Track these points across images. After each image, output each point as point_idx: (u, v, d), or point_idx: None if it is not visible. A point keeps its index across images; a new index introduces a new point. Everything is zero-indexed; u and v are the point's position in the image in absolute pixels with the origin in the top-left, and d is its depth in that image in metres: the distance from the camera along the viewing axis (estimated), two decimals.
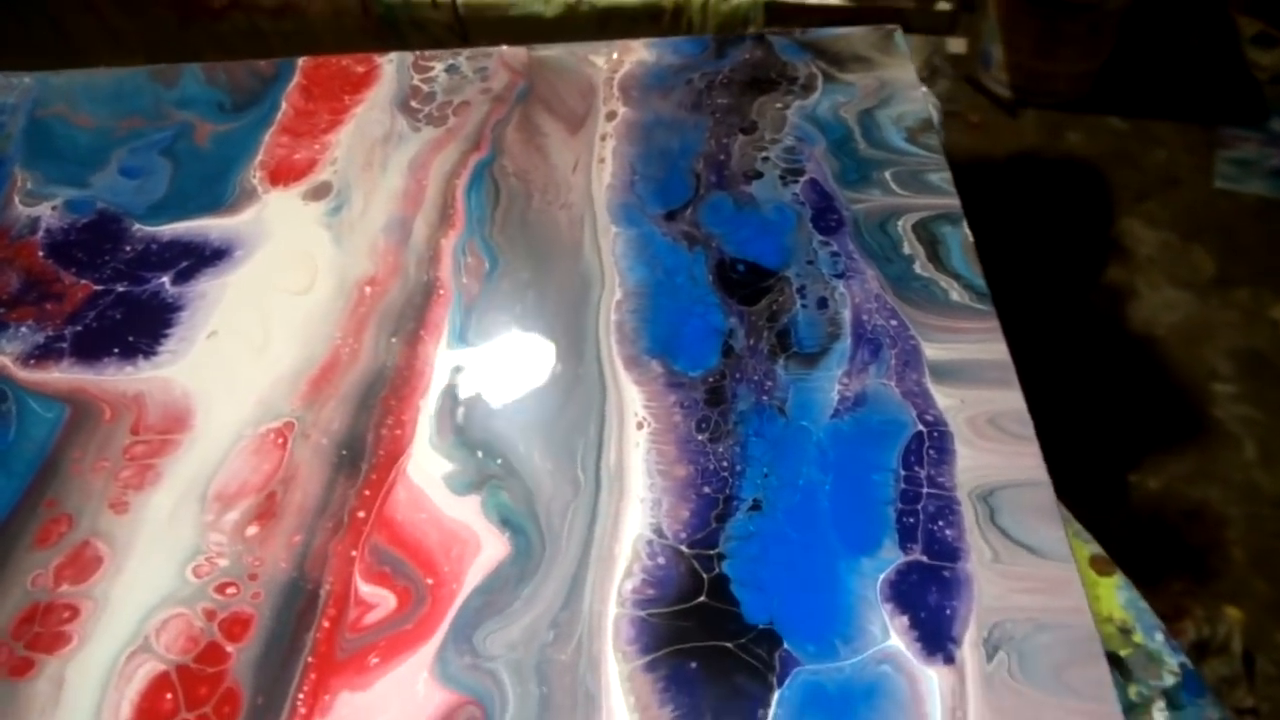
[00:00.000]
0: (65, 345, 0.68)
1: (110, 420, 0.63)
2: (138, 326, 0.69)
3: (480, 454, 0.61)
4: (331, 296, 0.71)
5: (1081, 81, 1.89)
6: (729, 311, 0.68)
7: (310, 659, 0.52)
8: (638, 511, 0.57)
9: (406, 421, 0.63)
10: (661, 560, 0.55)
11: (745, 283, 0.70)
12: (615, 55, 0.91)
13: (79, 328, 0.69)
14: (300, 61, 0.93)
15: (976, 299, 0.66)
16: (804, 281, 0.69)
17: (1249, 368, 1.48)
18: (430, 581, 0.55)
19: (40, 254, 0.75)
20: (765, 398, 0.62)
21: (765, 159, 0.79)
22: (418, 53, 0.93)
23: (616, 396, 0.63)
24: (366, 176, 0.80)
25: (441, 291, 0.71)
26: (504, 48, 0.92)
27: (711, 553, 0.55)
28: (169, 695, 0.51)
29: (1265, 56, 1.70)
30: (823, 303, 0.68)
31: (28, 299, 0.72)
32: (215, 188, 0.80)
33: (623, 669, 0.51)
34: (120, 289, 0.72)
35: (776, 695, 0.49)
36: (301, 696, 0.51)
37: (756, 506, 0.56)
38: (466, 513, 0.58)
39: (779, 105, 0.84)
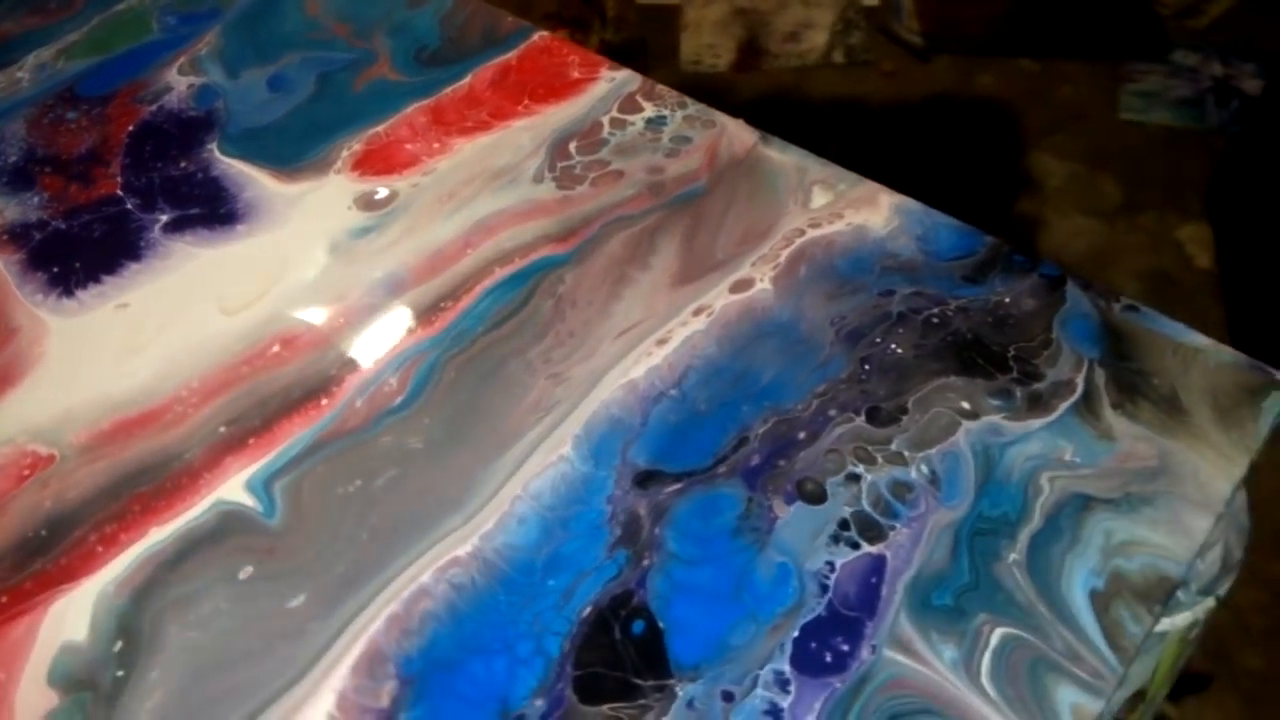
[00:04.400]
0: (35, 236, 0.63)
1: None
2: (91, 258, 0.62)
3: (119, 645, 0.45)
4: (241, 335, 0.57)
5: (990, 25, 1.91)
6: (551, 681, 0.42)
7: None
8: None
9: (121, 544, 0.48)
10: None
11: (609, 670, 0.43)
12: (832, 204, 0.62)
13: (60, 225, 0.64)
14: (535, 35, 0.76)
15: None
16: None
17: (1156, 286, 1.52)
18: None
19: (129, 129, 0.70)
20: None
21: (851, 478, 0.48)
22: (645, 82, 0.71)
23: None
24: (432, 209, 0.63)
25: (323, 401, 0.53)
26: (732, 122, 0.68)
27: None
28: None
29: None
30: None
31: (69, 169, 0.67)
32: (307, 142, 0.68)
33: None
34: (127, 206, 0.65)
35: None
36: None
37: None
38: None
39: (955, 408, 0.51)
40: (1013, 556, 0.45)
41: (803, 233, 0.60)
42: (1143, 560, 0.45)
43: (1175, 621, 0.46)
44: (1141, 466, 0.48)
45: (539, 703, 0.42)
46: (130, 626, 0.45)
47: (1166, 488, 0.47)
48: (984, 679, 0.41)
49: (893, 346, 0.54)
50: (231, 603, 0.46)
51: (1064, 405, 0.50)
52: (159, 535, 0.48)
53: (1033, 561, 0.45)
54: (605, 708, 0.41)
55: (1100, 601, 0.43)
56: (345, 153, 0.68)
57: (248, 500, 0.49)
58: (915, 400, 0.51)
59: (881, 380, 0.52)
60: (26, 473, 0.51)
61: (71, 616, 0.45)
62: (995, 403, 0.51)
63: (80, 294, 0.59)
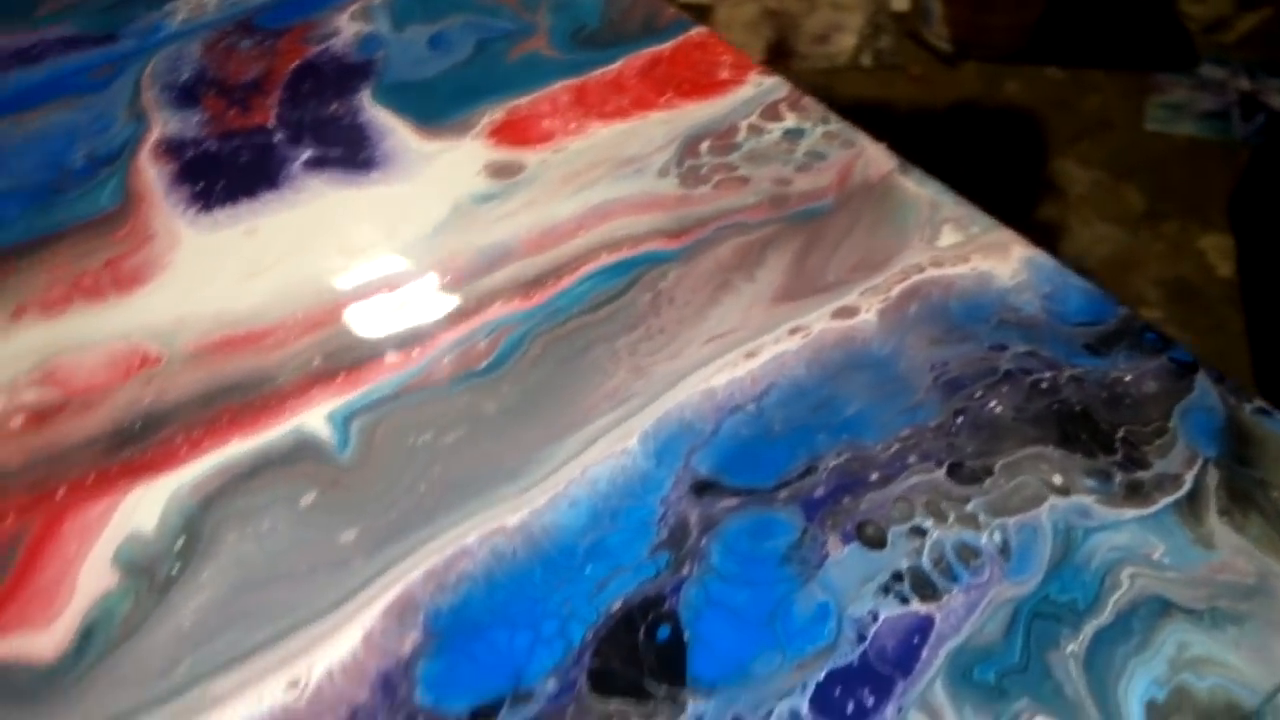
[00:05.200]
0: (189, 153, 0.67)
1: (125, 234, 0.61)
2: (233, 181, 0.65)
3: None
4: (351, 277, 0.59)
5: (1018, 34, 1.92)
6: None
7: None
8: None
9: (203, 449, 0.51)
10: None
11: (626, 668, 0.42)
12: (960, 245, 0.59)
13: (212, 146, 0.67)
14: (693, 29, 0.76)
15: None
16: None
17: (1176, 294, 1.53)
18: None
19: (293, 65, 0.74)
20: None
21: (917, 531, 0.46)
22: (793, 92, 0.70)
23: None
24: (555, 187, 0.64)
25: (413, 352, 0.55)
26: (873, 145, 0.66)
27: None
28: None
29: (1197, 8, 1.78)
30: None
31: (231, 95, 0.71)
32: (453, 103, 0.70)
33: None
34: (275, 139, 0.68)
35: None
36: None
37: None
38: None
39: (1045, 480, 0.48)
40: (1071, 648, 0.42)
41: (922, 270, 0.58)
42: (1215, 681, 0.41)
43: None
44: (1236, 582, 0.44)
45: (550, 683, 0.41)
46: (194, 528, 0.47)
47: (1259, 610, 0.43)
48: None
49: (992, 404, 0.51)
50: (289, 525, 0.47)
51: (1165, 500, 0.47)
52: (239, 448, 0.51)
53: (1092, 657, 0.42)
54: (613, 704, 0.41)
55: (1156, 714, 0.40)
56: (486, 119, 0.69)
57: (325, 432, 0.51)
58: (1004, 464, 0.49)
59: (972, 436, 0.50)
60: (135, 368, 0.54)
61: (145, 507, 0.48)
62: (1090, 483, 0.48)
63: (216, 213, 0.63)
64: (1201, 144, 1.74)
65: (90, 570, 0.46)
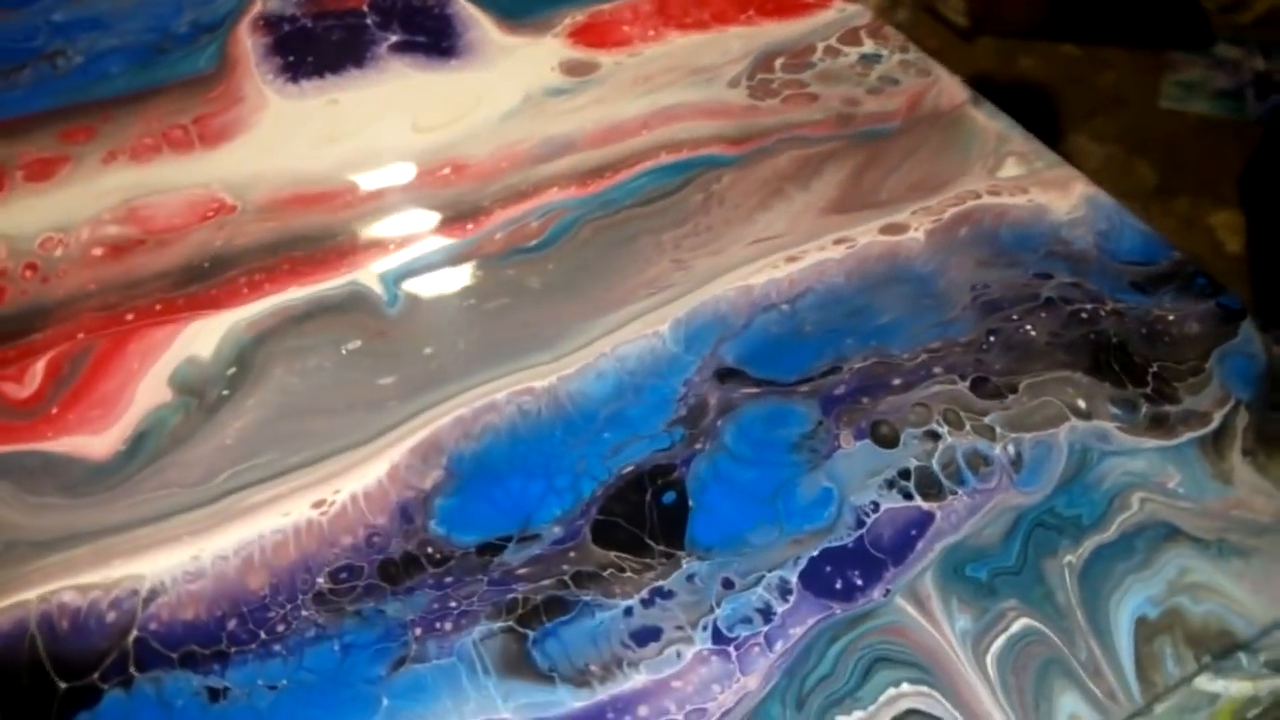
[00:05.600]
0: (285, 28, 0.70)
1: (217, 95, 0.65)
2: (322, 56, 0.68)
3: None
4: (421, 152, 0.61)
5: (1035, 10, 1.90)
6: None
7: None
8: None
9: (264, 292, 0.54)
10: None
11: (629, 524, 0.44)
12: (1020, 177, 0.58)
13: (308, 23, 0.70)
14: None
15: None
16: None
17: None
18: None
19: None
20: None
21: (930, 435, 0.47)
22: (874, 20, 0.70)
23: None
24: (625, 88, 0.65)
25: (469, 226, 0.57)
26: (949, 76, 0.65)
27: None
28: None
29: None
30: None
31: None
32: (540, 3, 0.72)
33: None
34: (366, 21, 0.71)
35: None
36: None
37: None
38: None
39: (1068, 403, 0.48)
40: (1069, 558, 0.42)
41: (978, 196, 0.58)
42: (1210, 607, 0.41)
43: (1229, 688, 0.42)
44: (1250, 519, 0.43)
45: (556, 529, 0.44)
46: (246, 358, 0.51)
47: (1269, 548, 0.43)
48: (989, 658, 0.40)
49: (1027, 327, 0.51)
50: (333, 364, 0.50)
51: (1189, 435, 0.46)
52: (296, 294, 0.54)
53: (1089, 569, 0.42)
54: (613, 554, 0.43)
55: (1145, 630, 0.40)
56: (567, 20, 0.70)
57: (377, 288, 0.54)
58: (1029, 384, 0.49)
59: (1002, 355, 0.50)
60: (210, 214, 0.58)
61: (204, 337, 0.52)
62: (1114, 410, 0.47)
63: (303, 83, 0.66)
64: (1215, 122, 1.73)
65: (148, 386, 0.50)
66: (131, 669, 0.40)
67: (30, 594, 0.42)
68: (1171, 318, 0.51)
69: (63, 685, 0.40)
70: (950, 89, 0.65)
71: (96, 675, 0.40)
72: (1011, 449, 0.46)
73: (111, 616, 0.41)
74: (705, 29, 0.70)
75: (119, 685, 0.39)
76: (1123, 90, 1.82)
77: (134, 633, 0.41)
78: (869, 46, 0.68)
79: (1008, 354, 0.50)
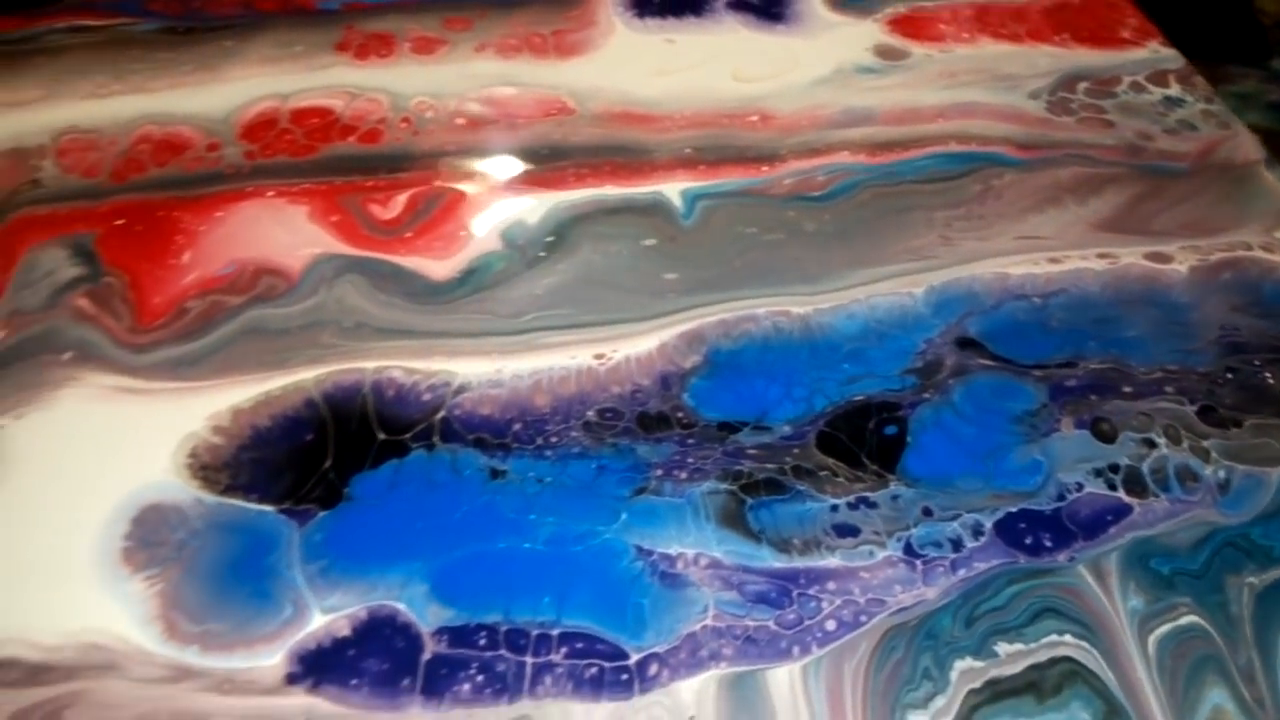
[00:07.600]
0: None
1: (574, 15, 0.75)
2: (667, 3, 0.77)
3: None
4: (737, 98, 0.69)
5: None
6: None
7: None
8: None
9: (587, 184, 0.63)
10: None
11: (849, 441, 0.50)
12: None
13: None
14: None
15: None
16: None
17: None
18: None
19: None
20: None
21: (1148, 443, 0.50)
22: (1186, 66, 0.72)
23: None
24: (930, 79, 0.70)
25: (764, 168, 0.64)
26: (1249, 135, 0.67)
27: None
28: None
29: (1271, 4, 1.81)
30: None
31: None
32: None
33: None
34: None
35: None
36: None
37: None
38: None
39: (1279, 451, 0.50)
40: (1251, 579, 0.45)
41: (1250, 249, 0.59)
42: None
43: None
44: None
45: (786, 428, 0.51)
46: (563, 231, 0.60)
47: None
48: (1152, 638, 0.43)
49: (1266, 375, 0.53)
50: (630, 253, 0.59)
51: None
52: (611, 191, 0.63)
53: (1268, 594, 0.45)
54: (831, 460, 0.49)
55: None
56: (890, 9, 0.76)
57: (677, 201, 0.62)
58: (1254, 424, 0.51)
59: (1235, 392, 0.52)
60: (554, 112, 0.68)
61: (532, 208, 0.62)
62: None
63: (648, 20, 0.75)
64: (1266, 132, 1.61)
65: (483, 234, 0.60)
66: (435, 438, 0.50)
67: (368, 364, 0.53)
68: None
69: (381, 436, 0.51)
70: (1247, 145, 0.66)
71: (408, 436, 0.50)
72: (1222, 474, 0.49)
73: (427, 396, 0.52)
74: (1018, 41, 0.74)
75: (424, 447, 0.50)
76: None
77: (442, 412, 0.51)
78: (1175, 90, 0.70)
79: (1240, 392, 0.52)
